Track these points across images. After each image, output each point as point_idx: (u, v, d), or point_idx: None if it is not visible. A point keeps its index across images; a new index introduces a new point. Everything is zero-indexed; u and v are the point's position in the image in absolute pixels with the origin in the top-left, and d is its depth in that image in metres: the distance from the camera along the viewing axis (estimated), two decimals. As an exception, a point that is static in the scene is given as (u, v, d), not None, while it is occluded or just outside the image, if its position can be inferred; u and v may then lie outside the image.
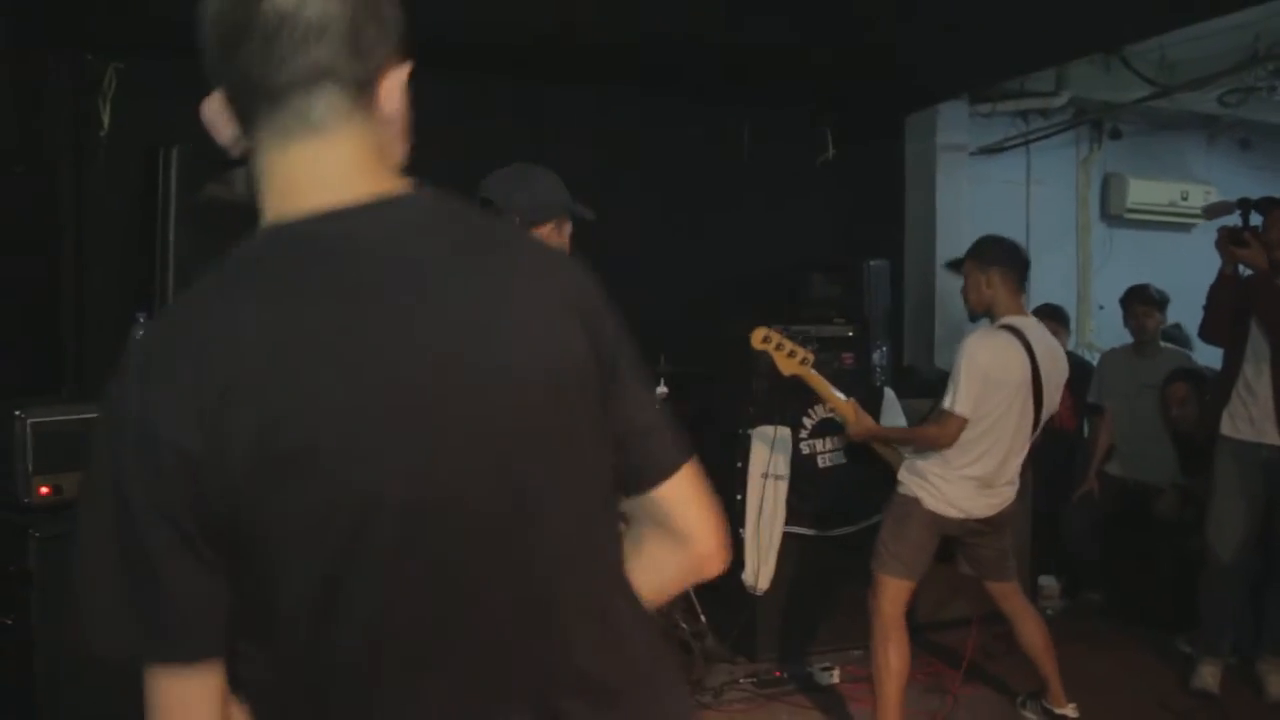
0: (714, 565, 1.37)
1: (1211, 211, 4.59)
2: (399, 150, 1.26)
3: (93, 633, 1.17)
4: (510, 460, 1.16)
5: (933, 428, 3.89)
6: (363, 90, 1.18)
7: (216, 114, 1.21)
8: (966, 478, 3.86)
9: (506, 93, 5.76)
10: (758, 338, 4.18)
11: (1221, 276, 4.53)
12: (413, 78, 1.26)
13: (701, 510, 1.35)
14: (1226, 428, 4.51)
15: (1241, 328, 4.44)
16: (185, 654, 1.10)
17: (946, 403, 3.82)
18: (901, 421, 4.81)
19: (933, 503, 3.88)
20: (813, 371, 4.16)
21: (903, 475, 4.00)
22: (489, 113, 5.65)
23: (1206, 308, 4.64)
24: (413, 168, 1.28)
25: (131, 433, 1.08)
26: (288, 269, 1.13)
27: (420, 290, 1.14)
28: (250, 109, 1.17)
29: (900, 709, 3.90)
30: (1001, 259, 3.97)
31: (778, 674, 4.68)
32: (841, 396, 4.21)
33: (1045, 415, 4.02)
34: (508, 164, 3.00)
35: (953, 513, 3.88)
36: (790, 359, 4.11)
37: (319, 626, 1.10)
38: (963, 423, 3.79)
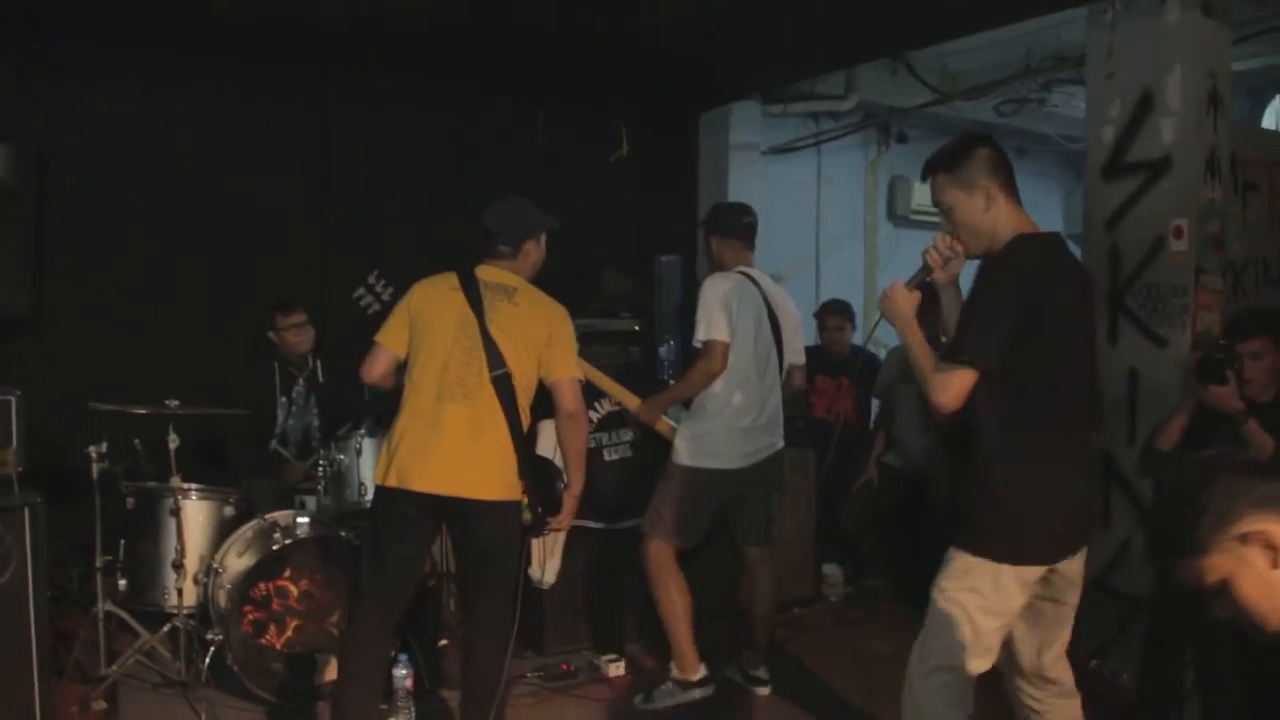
0: None
1: None
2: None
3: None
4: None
5: (700, 362, 4.10)
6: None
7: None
8: (729, 426, 4.12)
9: (297, 76, 5.63)
10: None
11: None
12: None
13: None
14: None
15: None
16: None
17: (701, 335, 4.07)
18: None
19: (695, 457, 4.13)
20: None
21: (675, 443, 4.23)
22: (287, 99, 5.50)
23: None
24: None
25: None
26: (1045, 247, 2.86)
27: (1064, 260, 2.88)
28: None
29: (692, 643, 4.19)
30: (715, 225, 4.39)
31: (565, 667, 4.67)
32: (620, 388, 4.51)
33: (789, 356, 4.35)
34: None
35: (713, 463, 4.12)
36: None
37: None
38: (724, 346, 4.05)
